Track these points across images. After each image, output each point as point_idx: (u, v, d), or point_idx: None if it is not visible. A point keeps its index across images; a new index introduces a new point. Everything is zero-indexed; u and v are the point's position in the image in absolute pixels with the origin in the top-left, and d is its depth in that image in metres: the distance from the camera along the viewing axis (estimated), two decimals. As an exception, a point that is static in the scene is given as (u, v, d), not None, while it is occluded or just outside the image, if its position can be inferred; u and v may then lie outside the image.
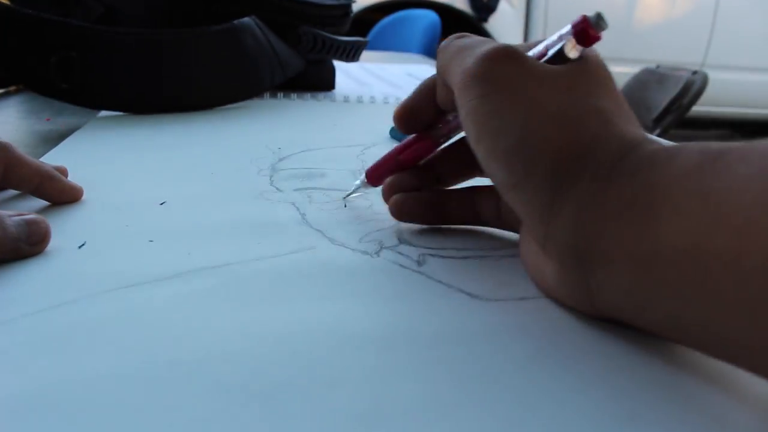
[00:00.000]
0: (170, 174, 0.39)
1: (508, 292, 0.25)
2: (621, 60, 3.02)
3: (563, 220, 0.22)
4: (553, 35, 0.26)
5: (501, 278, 0.26)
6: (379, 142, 0.50)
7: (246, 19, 0.62)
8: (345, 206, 0.34)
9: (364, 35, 1.01)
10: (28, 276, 0.25)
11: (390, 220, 0.32)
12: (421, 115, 0.30)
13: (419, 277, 0.26)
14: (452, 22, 2.78)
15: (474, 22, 2.97)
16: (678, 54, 2.91)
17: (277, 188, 0.37)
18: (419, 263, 0.27)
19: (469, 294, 0.24)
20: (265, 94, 0.70)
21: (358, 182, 0.34)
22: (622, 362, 0.20)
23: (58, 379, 0.18)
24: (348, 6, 0.75)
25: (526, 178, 0.23)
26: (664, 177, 0.19)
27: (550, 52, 0.25)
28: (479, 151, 0.24)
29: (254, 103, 0.66)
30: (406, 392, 0.18)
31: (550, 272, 0.23)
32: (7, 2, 0.61)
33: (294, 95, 0.72)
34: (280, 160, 0.43)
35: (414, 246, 0.29)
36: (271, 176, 0.39)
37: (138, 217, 0.31)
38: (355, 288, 0.25)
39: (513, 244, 0.30)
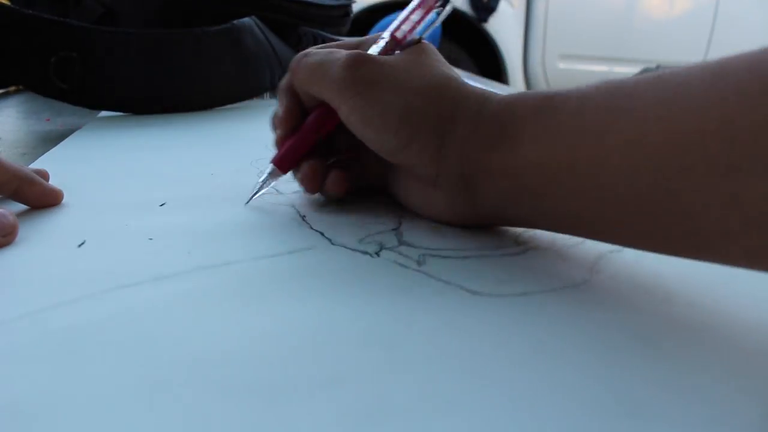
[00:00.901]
0: (170, 174, 0.39)
1: (508, 288, 0.25)
2: (621, 60, 3.02)
3: (451, 158, 0.29)
4: (380, 38, 0.33)
5: (501, 275, 0.26)
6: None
7: (246, 20, 0.62)
8: (246, 204, 0.34)
9: (363, 35, 1.01)
10: (28, 275, 0.25)
11: (390, 222, 0.32)
12: (295, 120, 0.34)
13: (419, 276, 0.26)
14: (452, 22, 2.79)
15: (474, 23, 2.97)
16: (678, 54, 2.90)
17: (277, 190, 0.37)
18: (419, 263, 0.27)
19: (469, 291, 0.24)
20: (265, 95, 0.70)
21: (265, 176, 0.34)
22: (622, 357, 0.20)
23: (59, 381, 0.18)
24: (348, 6, 0.75)
25: (414, 139, 0.29)
26: (516, 114, 0.28)
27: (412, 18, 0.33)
28: (367, 133, 0.30)
29: (254, 103, 0.66)
30: (408, 389, 0.18)
31: (440, 201, 0.31)
32: (8, 3, 0.61)
33: (294, 96, 0.72)
34: (280, 160, 0.43)
35: (414, 247, 0.29)
36: (271, 176, 0.39)
37: (138, 216, 0.31)
38: (355, 286, 0.25)
39: (513, 244, 0.30)
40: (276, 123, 0.35)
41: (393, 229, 0.31)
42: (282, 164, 0.34)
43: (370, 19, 2.58)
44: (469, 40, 3.00)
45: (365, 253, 0.28)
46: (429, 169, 0.30)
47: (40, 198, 0.33)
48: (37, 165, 0.40)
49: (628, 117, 0.23)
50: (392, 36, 0.33)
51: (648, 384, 0.19)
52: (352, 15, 0.77)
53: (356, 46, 0.34)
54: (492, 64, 3.02)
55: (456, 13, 2.91)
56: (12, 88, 0.71)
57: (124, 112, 0.57)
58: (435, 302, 0.24)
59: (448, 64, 0.32)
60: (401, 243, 0.29)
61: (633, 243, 0.25)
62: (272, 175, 0.34)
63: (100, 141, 0.48)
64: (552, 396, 0.18)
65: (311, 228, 0.31)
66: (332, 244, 0.29)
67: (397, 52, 0.32)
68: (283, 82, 0.34)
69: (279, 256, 0.27)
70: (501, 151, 0.27)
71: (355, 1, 0.78)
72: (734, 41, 3.08)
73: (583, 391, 0.18)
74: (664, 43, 3.02)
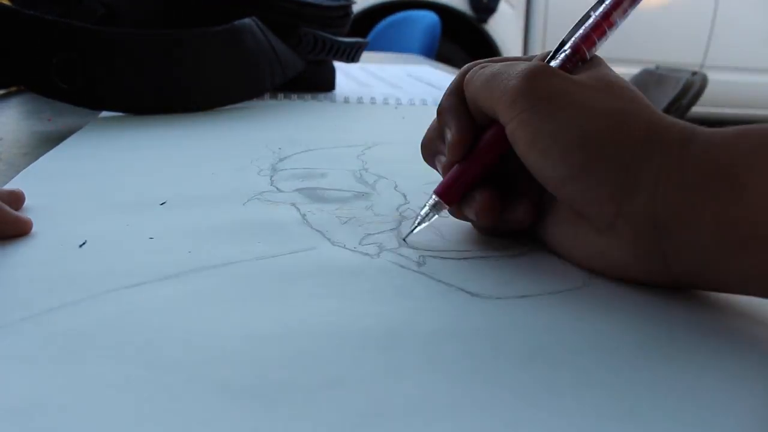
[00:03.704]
0: (171, 174, 0.39)
1: (508, 290, 0.25)
2: (620, 61, 3.00)
3: (640, 195, 0.24)
4: (560, 51, 0.29)
5: (501, 278, 0.26)
6: (379, 142, 0.50)
7: (246, 20, 0.62)
8: (405, 240, 0.30)
9: (364, 36, 1.01)
10: (29, 276, 0.25)
11: (390, 222, 0.32)
12: (469, 145, 0.29)
13: (419, 277, 0.26)
14: (452, 23, 2.78)
15: (474, 23, 2.97)
16: (677, 55, 2.90)
17: (278, 188, 0.37)
18: (419, 264, 0.27)
19: (469, 293, 0.25)
20: (265, 95, 0.70)
21: (426, 209, 0.29)
22: (621, 359, 0.20)
23: (60, 381, 0.18)
24: (348, 7, 0.75)
25: (589, 168, 0.25)
26: (739, 151, 0.23)
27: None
28: (532, 154, 0.26)
29: (255, 103, 0.66)
30: (407, 390, 0.18)
31: (618, 250, 0.25)
32: (8, 3, 0.62)
33: (294, 96, 0.72)
34: (281, 160, 0.44)
35: (414, 248, 0.29)
36: (271, 176, 0.40)
37: (138, 216, 0.31)
38: (356, 287, 0.25)
39: (513, 246, 0.30)
40: (447, 148, 0.29)
41: (393, 229, 0.31)
42: (448, 194, 0.29)
43: (370, 19, 2.58)
44: (469, 40, 3.00)
45: (365, 253, 0.28)
46: (605, 209, 0.24)
47: (2, 228, 0.28)
48: (37, 165, 0.41)
49: None
50: (574, 49, 0.28)
51: (646, 386, 0.19)
52: (352, 15, 0.77)
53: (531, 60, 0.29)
54: (492, 65, 3.02)
55: (455, 14, 2.91)
56: (13, 89, 0.71)
57: (125, 112, 0.57)
58: (434, 304, 0.24)
59: (637, 93, 0.27)
60: (401, 243, 0.29)
61: None
62: (436, 208, 0.29)
63: (101, 141, 0.48)
64: (551, 398, 0.18)
65: (311, 228, 0.31)
66: (332, 244, 0.29)
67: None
68: (447, 102, 0.29)
69: (279, 256, 0.27)
70: (715, 193, 0.22)
71: (355, 2, 0.78)
72: (734, 42, 3.09)
73: (582, 393, 0.19)
74: (664, 44, 3.02)
